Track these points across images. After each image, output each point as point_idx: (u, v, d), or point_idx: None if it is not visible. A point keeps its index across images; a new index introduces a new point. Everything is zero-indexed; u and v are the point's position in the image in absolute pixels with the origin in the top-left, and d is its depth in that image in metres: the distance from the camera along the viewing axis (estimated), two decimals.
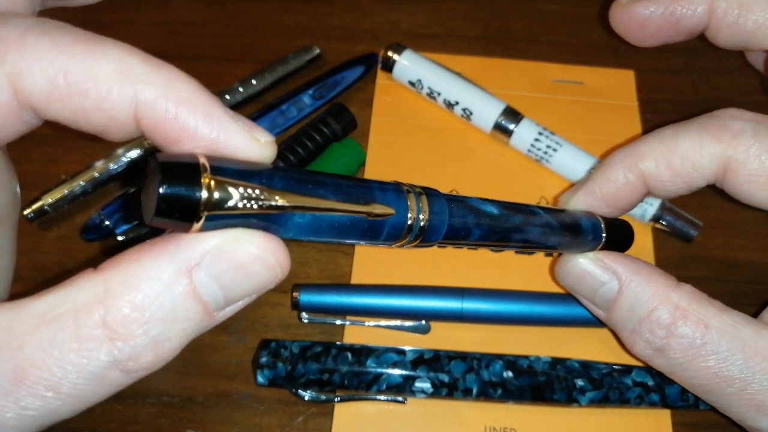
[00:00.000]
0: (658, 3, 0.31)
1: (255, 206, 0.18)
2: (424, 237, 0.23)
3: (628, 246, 0.31)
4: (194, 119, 0.19)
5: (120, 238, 0.38)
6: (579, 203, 0.30)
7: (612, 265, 0.29)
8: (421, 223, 0.22)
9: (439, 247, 0.27)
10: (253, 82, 0.43)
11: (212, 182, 0.17)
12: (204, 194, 0.17)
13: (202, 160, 0.17)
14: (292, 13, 0.49)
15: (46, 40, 0.18)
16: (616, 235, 0.30)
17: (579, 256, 0.30)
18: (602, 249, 0.30)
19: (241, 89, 0.43)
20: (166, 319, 0.17)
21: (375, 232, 0.21)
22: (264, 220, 0.18)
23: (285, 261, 0.19)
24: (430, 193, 0.23)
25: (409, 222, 0.22)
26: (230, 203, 0.17)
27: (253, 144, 0.19)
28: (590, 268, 0.30)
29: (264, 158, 0.19)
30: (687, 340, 0.27)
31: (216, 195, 0.17)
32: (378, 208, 0.21)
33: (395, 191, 0.22)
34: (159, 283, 0.17)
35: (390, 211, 0.21)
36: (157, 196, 0.16)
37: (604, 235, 0.30)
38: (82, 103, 0.18)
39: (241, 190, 0.17)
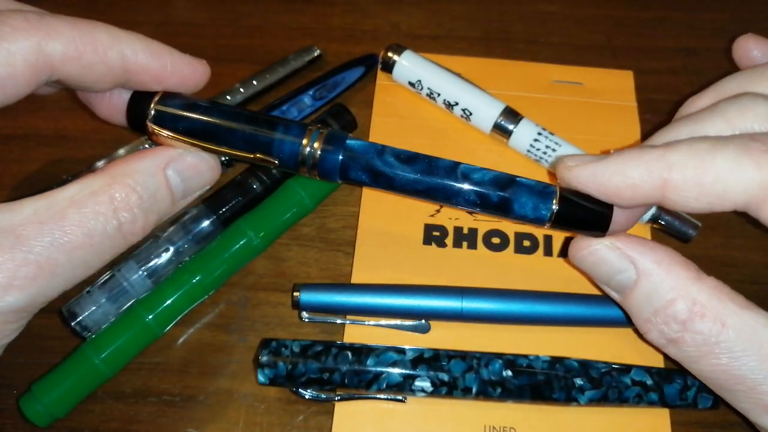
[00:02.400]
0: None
1: (181, 127, 0.27)
2: (319, 170, 0.28)
3: (595, 227, 0.28)
4: (161, 64, 0.27)
5: None
6: (578, 178, 0.27)
7: (630, 253, 0.28)
8: (315, 156, 0.28)
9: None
10: (254, 82, 0.44)
11: (155, 106, 0.27)
12: (150, 110, 0.27)
13: (158, 96, 0.28)
14: (293, 13, 0.49)
15: (60, 19, 0.25)
16: (575, 213, 0.28)
17: (595, 241, 0.28)
18: (553, 223, 0.27)
19: (241, 90, 0.43)
20: (150, 198, 0.26)
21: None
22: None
23: (218, 167, 0.29)
24: (333, 134, 0.28)
25: (304, 152, 0.28)
26: (167, 117, 0.27)
27: (200, 68, 0.29)
28: (607, 256, 0.28)
29: (206, 75, 0.29)
30: (702, 337, 0.26)
31: (153, 111, 0.27)
32: (260, 159, 0.28)
33: (298, 128, 0.28)
34: (147, 174, 0.26)
35: (271, 161, 0.28)
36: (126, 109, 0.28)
37: (554, 207, 0.27)
38: (89, 59, 0.25)
39: (172, 109, 0.28)
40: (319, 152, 0.28)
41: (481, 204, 0.28)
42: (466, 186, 0.28)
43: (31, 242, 0.23)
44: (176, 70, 0.28)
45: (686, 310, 0.26)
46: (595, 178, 0.27)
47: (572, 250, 0.30)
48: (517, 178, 0.28)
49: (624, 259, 0.28)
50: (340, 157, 0.28)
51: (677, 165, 0.25)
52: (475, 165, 0.28)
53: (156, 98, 0.27)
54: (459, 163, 0.28)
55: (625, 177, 0.26)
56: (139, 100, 0.28)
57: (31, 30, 0.24)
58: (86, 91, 0.28)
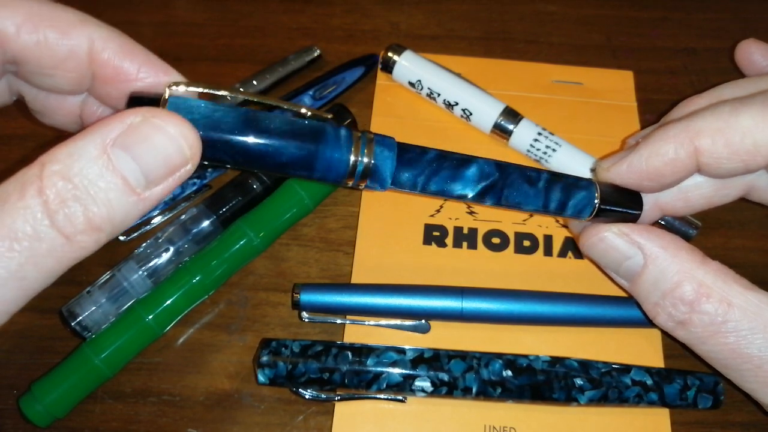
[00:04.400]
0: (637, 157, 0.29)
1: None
2: (370, 178, 0.25)
3: (636, 215, 0.31)
4: (134, 62, 0.24)
5: (121, 238, 0.38)
6: (619, 174, 0.30)
7: (638, 240, 0.29)
8: (364, 165, 0.25)
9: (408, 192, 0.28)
10: (254, 82, 0.44)
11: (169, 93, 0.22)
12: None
13: (167, 94, 0.22)
14: (293, 14, 0.49)
15: None
16: (617, 202, 0.30)
17: (604, 229, 0.29)
18: (596, 216, 0.30)
19: (241, 90, 0.43)
20: (90, 188, 0.20)
21: (312, 165, 0.24)
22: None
23: (190, 135, 0.21)
24: (380, 140, 0.26)
25: (352, 161, 0.25)
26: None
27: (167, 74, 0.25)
28: (615, 242, 0.29)
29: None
30: (708, 317, 0.27)
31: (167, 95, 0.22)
32: (310, 112, 0.24)
33: (347, 135, 0.25)
34: (84, 159, 0.20)
35: (326, 115, 0.25)
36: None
37: (596, 202, 0.29)
38: (49, 36, 0.23)
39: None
40: (371, 162, 0.25)
41: (537, 211, 0.29)
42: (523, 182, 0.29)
43: None
44: (148, 73, 0.25)
45: (693, 291, 0.27)
46: (634, 168, 0.29)
47: (583, 238, 0.31)
48: (562, 181, 0.29)
49: (632, 245, 0.29)
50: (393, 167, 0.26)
51: (703, 130, 0.27)
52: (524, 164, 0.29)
53: (166, 96, 0.22)
54: (522, 170, 0.29)
55: (660, 156, 0.28)
56: (141, 103, 0.23)
57: None
58: (43, 90, 0.25)
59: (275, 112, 0.26)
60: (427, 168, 0.27)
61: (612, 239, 0.29)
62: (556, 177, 0.29)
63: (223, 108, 0.23)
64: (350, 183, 0.25)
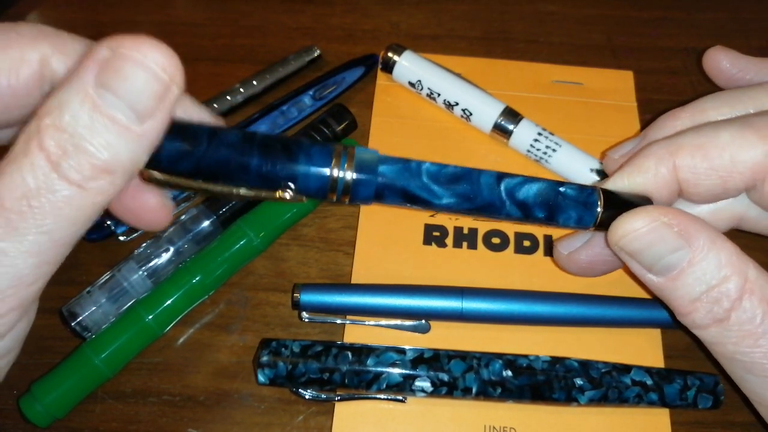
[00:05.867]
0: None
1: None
2: (352, 195, 0.25)
3: None
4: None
5: (121, 238, 0.38)
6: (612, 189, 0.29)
7: (687, 230, 0.26)
8: (346, 181, 0.24)
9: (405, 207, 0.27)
10: (254, 82, 0.44)
11: None
12: None
13: None
14: (293, 14, 0.49)
15: (65, 36, 0.22)
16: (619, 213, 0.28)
17: (650, 218, 0.27)
18: (599, 227, 0.28)
19: (242, 90, 0.43)
20: (85, 134, 0.19)
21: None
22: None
23: (163, 60, 0.20)
24: (360, 154, 0.25)
25: (333, 179, 0.24)
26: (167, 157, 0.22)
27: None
28: (664, 233, 0.26)
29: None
30: (746, 316, 0.25)
31: None
32: (287, 194, 0.23)
33: (321, 153, 0.24)
34: (72, 106, 0.19)
35: (299, 198, 0.24)
36: None
37: (599, 210, 0.28)
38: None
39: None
40: (352, 179, 0.24)
41: (526, 219, 0.28)
42: (509, 204, 0.27)
43: None
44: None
45: (739, 287, 0.26)
46: (619, 186, 0.28)
47: (619, 228, 0.27)
48: (561, 189, 0.27)
49: (680, 237, 0.26)
50: (375, 185, 0.25)
51: (684, 146, 0.27)
52: (514, 175, 0.27)
53: None
54: (501, 178, 0.27)
55: (642, 173, 0.28)
56: None
57: (38, 41, 0.21)
58: None
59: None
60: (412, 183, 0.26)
61: (662, 230, 0.26)
62: (548, 192, 0.28)
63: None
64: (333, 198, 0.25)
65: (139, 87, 0.20)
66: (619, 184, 0.29)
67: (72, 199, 0.20)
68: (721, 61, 0.33)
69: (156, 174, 0.22)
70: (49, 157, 0.19)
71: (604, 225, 0.28)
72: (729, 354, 0.27)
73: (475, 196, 0.26)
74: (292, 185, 0.24)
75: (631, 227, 0.27)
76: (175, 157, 0.22)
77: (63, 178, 0.19)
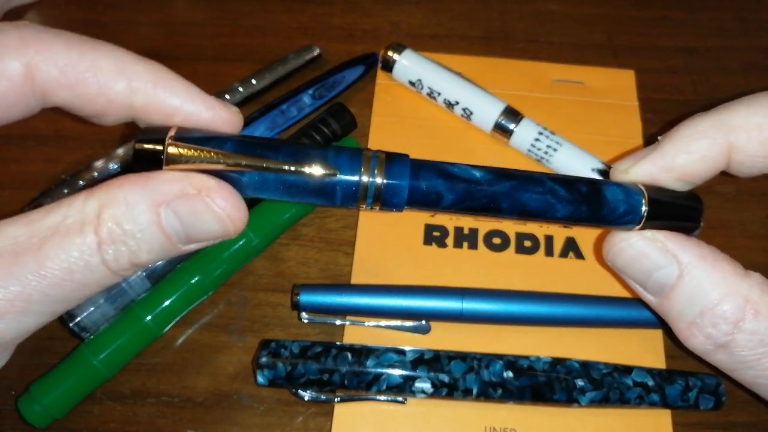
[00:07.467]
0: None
1: (206, 164, 0.22)
2: (383, 200, 0.24)
3: (692, 226, 0.27)
4: (174, 100, 0.23)
5: None
6: (641, 173, 0.26)
7: (672, 247, 0.25)
8: (377, 185, 0.23)
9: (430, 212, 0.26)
10: (254, 82, 0.43)
11: (170, 144, 0.22)
12: (163, 150, 0.22)
13: (171, 132, 0.23)
14: (293, 13, 0.49)
15: (60, 39, 0.22)
16: (668, 212, 0.26)
17: (632, 235, 0.26)
18: (644, 227, 0.26)
19: (241, 89, 0.43)
20: (137, 237, 0.22)
21: (328, 193, 0.23)
22: (219, 176, 0.23)
23: (236, 216, 0.23)
24: (392, 157, 0.24)
25: (363, 183, 0.23)
26: (185, 159, 0.22)
27: (222, 113, 0.24)
28: (646, 250, 0.26)
29: (232, 124, 0.25)
30: (758, 337, 0.24)
31: (171, 151, 0.22)
32: (317, 169, 0.23)
33: (351, 155, 0.23)
34: (136, 211, 0.22)
35: (332, 171, 0.23)
36: (132, 149, 0.23)
37: (644, 209, 0.25)
38: (86, 89, 0.23)
39: (194, 151, 0.22)
40: (382, 184, 0.23)
41: (571, 221, 0.26)
42: (555, 204, 0.25)
43: (1, 275, 0.21)
44: (199, 115, 0.24)
45: (738, 308, 0.24)
46: (658, 168, 0.26)
47: (607, 245, 0.27)
48: (602, 188, 0.25)
49: (665, 254, 0.25)
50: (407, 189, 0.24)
51: (739, 126, 0.25)
52: (553, 173, 0.26)
53: (171, 133, 0.23)
54: (544, 181, 0.25)
55: (690, 153, 0.25)
56: (148, 140, 0.23)
57: (22, 49, 0.22)
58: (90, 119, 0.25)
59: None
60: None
61: (643, 246, 0.26)
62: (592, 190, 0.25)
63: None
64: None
65: (205, 229, 0.23)
66: (660, 166, 0.26)
67: (102, 279, 0.22)
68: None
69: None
70: (99, 244, 0.21)
71: (654, 224, 0.26)
72: (750, 378, 0.25)
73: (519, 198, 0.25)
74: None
75: (616, 240, 0.27)
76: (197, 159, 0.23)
77: (104, 263, 0.22)
